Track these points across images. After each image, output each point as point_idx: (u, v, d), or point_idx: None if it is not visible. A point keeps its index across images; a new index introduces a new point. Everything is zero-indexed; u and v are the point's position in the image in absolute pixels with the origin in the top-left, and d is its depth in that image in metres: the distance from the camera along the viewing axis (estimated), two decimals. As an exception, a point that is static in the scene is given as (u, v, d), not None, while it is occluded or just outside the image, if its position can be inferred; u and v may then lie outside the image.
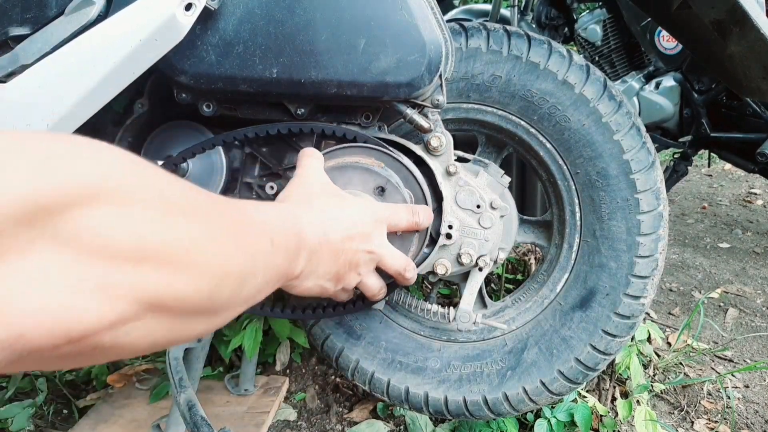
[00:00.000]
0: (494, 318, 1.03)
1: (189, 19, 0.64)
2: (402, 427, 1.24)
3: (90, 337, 0.28)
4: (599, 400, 1.26)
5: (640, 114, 1.95)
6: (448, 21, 0.95)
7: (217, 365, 1.42)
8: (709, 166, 2.83)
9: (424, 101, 0.77)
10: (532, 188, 1.47)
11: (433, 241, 0.84)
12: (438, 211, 0.84)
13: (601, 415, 1.21)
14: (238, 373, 1.31)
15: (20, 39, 0.67)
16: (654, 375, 1.43)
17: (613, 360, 1.31)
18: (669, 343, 1.57)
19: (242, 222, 0.41)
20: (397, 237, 0.77)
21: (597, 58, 2.14)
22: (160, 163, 0.81)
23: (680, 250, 2.33)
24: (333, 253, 0.58)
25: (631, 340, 1.38)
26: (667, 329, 1.68)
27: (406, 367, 1.02)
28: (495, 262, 0.92)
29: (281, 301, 0.89)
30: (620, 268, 0.96)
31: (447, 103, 0.81)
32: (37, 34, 0.66)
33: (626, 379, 1.33)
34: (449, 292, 1.62)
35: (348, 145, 0.77)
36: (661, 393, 1.37)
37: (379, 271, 0.71)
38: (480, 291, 1.03)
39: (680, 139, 2.02)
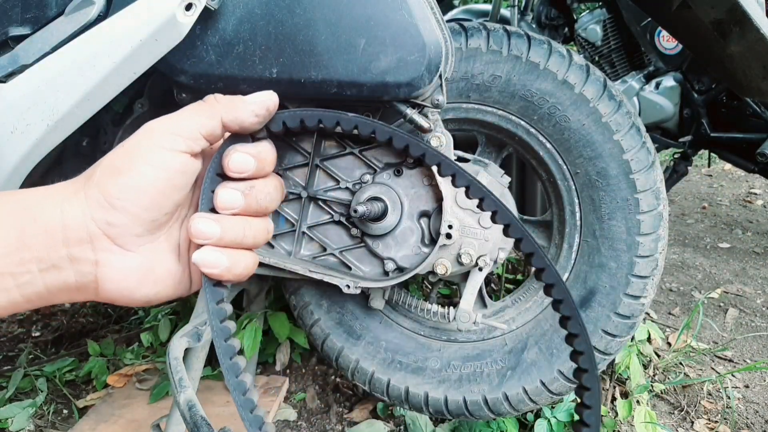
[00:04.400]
0: (494, 318, 1.03)
1: (189, 19, 0.64)
2: (402, 428, 1.23)
3: None
4: (599, 400, 1.25)
5: (640, 114, 1.95)
6: (448, 21, 0.95)
7: (217, 365, 1.42)
8: (709, 166, 2.83)
9: (424, 101, 0.77)
10: (532, 188, 1.47)
11: (433, 241, 0.84)
12: (438, 210, 0.84)
13: (600, 416, 1.21)
14: (238, 373, 1.31)
15: (20, 39, 0.67)
16: (654, 375, 1.43)
17: (613, 360, 1.31)
18: (669, 343, 1.57)
19: None
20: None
21: (597, 58, 2.14)
22: None
23: (680, 250, 2.33)
24: None
25: (631, 340, 1.38)
26: (667, 329, 1.68)
27: (406, 367, 1.02)
28: (495, 262, 0.92)
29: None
30: (620, 268, 0.96)
31: (447, 102, 0.81)
32: (37, 34, 0.66)
33: (626, 379, 1.33)
34: (449, 292, 1.62)
35: None
36: (661, 393, 1.37)
37: None
38: (480, 291, 1.03)
39: (680, 139, 2.02)
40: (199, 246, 0.39)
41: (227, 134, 0.42)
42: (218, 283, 0.40)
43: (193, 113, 0.40)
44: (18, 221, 0.35)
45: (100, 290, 0.38)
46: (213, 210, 0.39)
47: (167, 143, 0.38)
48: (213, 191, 0.39)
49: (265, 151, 0.41)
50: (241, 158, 0.40)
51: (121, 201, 0.36)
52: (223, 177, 0.40)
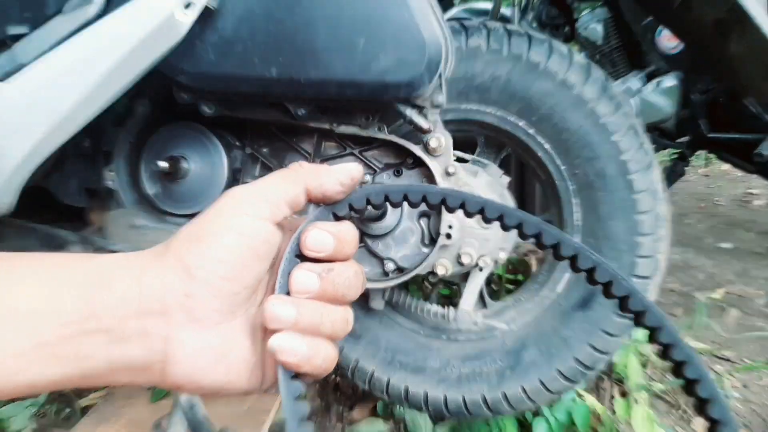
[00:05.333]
0: (494, 318, 1.03)
1: (188, 18, 0.64)
2: (402, 427, 1.24)
3: None
4: (598, 400, 1.26)
5: (640, 114, 1.95)
6: (449, 20, 0.95)
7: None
8: (706, 166, 2.82)
9: (423, 101, 0.77)
10: (531, 188, 1.47)
11: (433, 241, 0.84)
12: (438, 210, 0.84)
13: (599, 415, 1.21)
14: (238, 372, 1.31)
15: (18, 38, 0.67)
16: (653, 375, 1.43)
17: (612, 359, 1.31)
18: (669, 343, 1.57)
19: None
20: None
21: (598, 58, 2.14)
22: (162, 163, 0.81)
23: (682, 251, 2.33)
24: None
25: (631, 340, 1.38)
26: (667, 329, 1.67)
27: (406, 366, 1.02)
28: (495, 262, 0.92)
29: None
30: (621, 269, 0.95)
31: (446, 103, 0.81)
32: (35, 32, 0.66)
33: (625, 379, 1.33)
34: (449, 293, 1.62)
35: None
36: (660, 392, 1.37)
37: None
38: (480, 291, 1.03)
39: (678, 140, 2.02)
40: (275, 331, 0.35)
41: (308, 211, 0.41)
42: (295, 375, 0.35)
43: (277, 179, 0.38)
44: (90, 287, 0.33)
45: (167, 371, 0.34)
46: (289, 293, 0.37)
47: (250, 209, 0.36)
48: (290, 272, 0.37)
49: (345, 231, 0.38)
50: (319, 236, 0.37)
51: (201, 270, 0.34)
52: (302, 258, 0.38)
